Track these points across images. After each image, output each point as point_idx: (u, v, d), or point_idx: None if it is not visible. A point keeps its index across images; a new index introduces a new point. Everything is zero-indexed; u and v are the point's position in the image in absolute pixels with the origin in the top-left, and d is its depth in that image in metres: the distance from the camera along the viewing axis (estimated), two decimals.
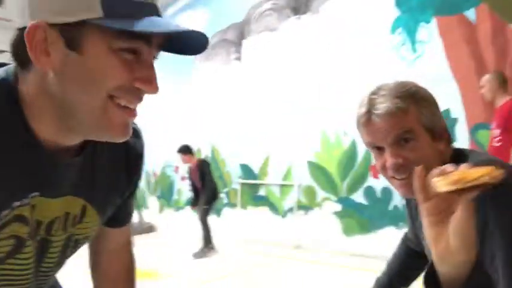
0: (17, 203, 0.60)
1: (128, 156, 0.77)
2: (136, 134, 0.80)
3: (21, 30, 0.54)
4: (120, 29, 0.52)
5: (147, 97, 0.61)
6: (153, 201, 8.70)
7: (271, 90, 6.37)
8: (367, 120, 0.83)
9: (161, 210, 8.48)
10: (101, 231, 0.80)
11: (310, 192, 5.85)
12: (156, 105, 8.43)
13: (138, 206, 8.25)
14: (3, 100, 0.57)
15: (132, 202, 0.87)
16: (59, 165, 0.63)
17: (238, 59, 6.96)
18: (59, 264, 0.75)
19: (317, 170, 5.78)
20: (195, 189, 5.90)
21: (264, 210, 6.42)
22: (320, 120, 5.70)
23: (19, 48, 0.55)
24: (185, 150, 5.82)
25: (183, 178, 7.87)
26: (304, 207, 5.91)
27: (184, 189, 7.81)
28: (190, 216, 7.16)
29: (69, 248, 0.73)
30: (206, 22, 7.62)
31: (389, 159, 0.80)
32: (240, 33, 6.98)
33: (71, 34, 0.53)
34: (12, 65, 0.60)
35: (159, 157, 8.43)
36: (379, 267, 1.39)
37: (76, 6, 0.51)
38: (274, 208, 6.32)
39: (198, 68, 7.64)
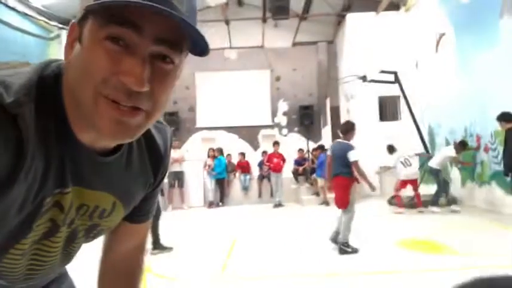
0: (57, 190, 0.62)
1: (152, 156, 0.77)
2: (163, 132, 0.80)
3: None
4: (91, 6, 0.51)
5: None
6: (455, 173, 8.20)
7: None
8: None
9: (463, 183, 7.88)
10: (119, 227, 0.81)
11: None
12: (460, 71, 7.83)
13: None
14: (51, 96, 0.59)
15: (153, 200, 0.86)
16: (97, 164, 0.65)
17: None
18: (79, 248, 0.78)
19: None
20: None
21: None
22: None
23: None
24: (506, 117, 5.28)
25: (485, 149, 7.01)
26: None
27: (488, 162, 6.95)
28: (497, 192, 6.37)
29: (91, 235, 0.75)
30: None
31: None
32: None
33: (80, 28, 0.55)
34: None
35: (459, 126, 7.85)
36: None
37: (85, 2, 0.54)
38: None
39: (506, 24, 6.45)
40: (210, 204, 10.20)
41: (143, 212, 0.84)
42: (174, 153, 10.02)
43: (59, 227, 0.67)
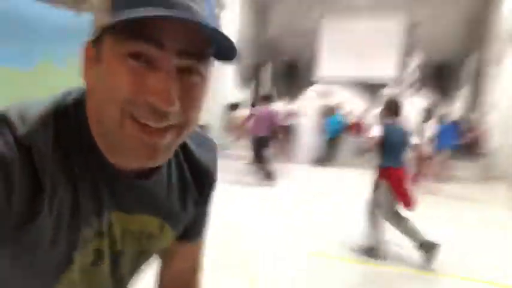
0: (95, 219, 0.61)
1: (194, 171, 0.74)
2: (205, 147, 0.77)
3: None
4: (111, 22, 0.48)
5: None
6: None
7: None
8: None
9: None
10: (171, 247, 0.79)
11: None
12: None
13: None
14: (73, 123, 0.58)
15: (203, 218, 0.83)
16: (135, 187, 0.64)
17: None
18: (133, 273, 0.76)
19: None
20: None
21: None
22: None
23: None
24: None
25: None
26: None
27: None
28: None
29: (141, 259, 0.74)
30: None
31: None
32: None
33: (97, 47, 0.53)
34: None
35: None
36: None
37: (98, 20, 0.52)
38: None
39: None
40: (318, 162, 10.00)
41: (193, 230, 0.82)
42: (288, 106, 9.96)
43: (103, 253, 0.66)
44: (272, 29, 12.38)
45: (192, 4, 0.50)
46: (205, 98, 0.56)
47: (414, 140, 3.84)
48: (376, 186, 3.74)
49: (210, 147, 0.78)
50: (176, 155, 0.71)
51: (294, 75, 12.36)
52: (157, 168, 0.66)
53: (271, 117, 6.84)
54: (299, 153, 10.26)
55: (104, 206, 0.61)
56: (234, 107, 10.48)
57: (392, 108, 3.66)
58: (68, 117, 0.58)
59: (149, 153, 0.54)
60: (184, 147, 0.72)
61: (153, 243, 0.72)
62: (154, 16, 0.47)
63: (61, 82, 6.90)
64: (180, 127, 0.55)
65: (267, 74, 12.83)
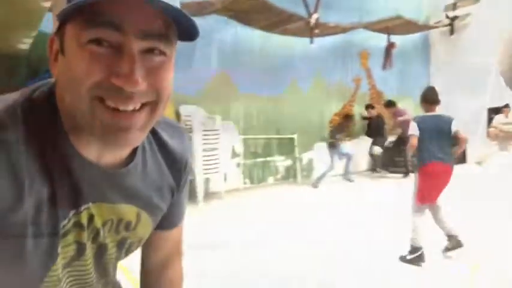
0: (73, 211, 0.60)
1: (169, 160, 0.74)
2: (177, 135, 0.76)
3: None
4: (64, 11, 0.49)
5: None
6: None
7: None
8: None
9: None
10: (151, 236, 0.79)
11: None
12: None
13: None
14: (44, 115, 0.57)
15: (180, 205, 0.82)
16: (111, 176, 0.63)
17: None
18: (116, 265, 0.77)
19: None
20: None
21: None
22: None
23: None
24: None
25: None
26: None
27: None
28: None
29: (123, 249, 0.73)
30: None
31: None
32: None
33: (61, 39, 0.54)
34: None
35: None
36: None
37: (59, 12, 0.52)
38: None
39: None
40: None
41: (171, 218, 0.82)
42: None
43: (85, 245, 0.66)
44: None
45: None
46: (171, 76, 0.56)
47: None
48: None
49: (182, 135, 0.79)
50: (150, 145, 0.72)
51: None
52: (132, 158, 0.66)
53: None
54: None
55: (81, 197, 0.61)
56: (496, 110, 8.81)
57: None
58: (38, 111, 0.57)
59: (124, 137, 0.54)
60: (157, 137, 0.73)
61: (132, 233, 0.71)
62: None
63: (305, 104, 7.54)
64: (152, 105, 0.56)
65: None
